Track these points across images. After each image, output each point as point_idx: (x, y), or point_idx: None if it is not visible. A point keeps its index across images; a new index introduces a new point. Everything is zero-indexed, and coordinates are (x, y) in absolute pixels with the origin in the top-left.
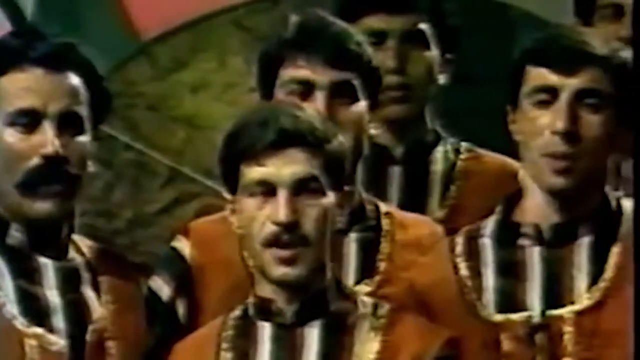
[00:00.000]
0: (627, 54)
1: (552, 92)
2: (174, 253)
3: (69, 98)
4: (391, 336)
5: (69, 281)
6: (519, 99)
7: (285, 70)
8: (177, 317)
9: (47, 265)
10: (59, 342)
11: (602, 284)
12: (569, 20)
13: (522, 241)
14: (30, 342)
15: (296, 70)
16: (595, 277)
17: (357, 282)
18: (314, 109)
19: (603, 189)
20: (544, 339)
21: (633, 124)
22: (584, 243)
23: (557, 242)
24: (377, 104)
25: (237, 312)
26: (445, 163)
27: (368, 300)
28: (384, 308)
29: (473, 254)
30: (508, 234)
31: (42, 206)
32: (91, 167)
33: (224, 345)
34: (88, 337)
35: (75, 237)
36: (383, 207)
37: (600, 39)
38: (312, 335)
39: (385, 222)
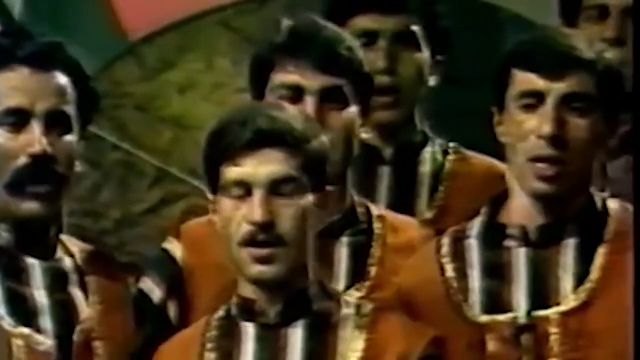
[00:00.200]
0: (612, 55)
1: (538, 97)
2: (165, 255)
3: (57, 97)
4: (375, 334)
5: (57, 281)
6: (505, 101)
7: (275, 75)
8: (168, 319)
9: (34, 265)
10: (46, 342)
11: (588, 285)
12: (554, 21)
13: (508, 242)
14: (17, 342)
15: (286, 75)
16: (581, 277)
17: (349, 287)
18: (298, 109)
19: (589, 190)
20: (530, 339)
21: (633, 124)
22: (570, 244)
23: (542, 243)
24: (368, 109)
25: (220, 313)
26: (433, 164)
27: (351, 299)
28: (368, 307)
29: (459, 255)
30: (494, 235)
31: (29, 206)
32: (79, 167)
33: (208, 345)
34: (75, 337)
35: (63, 237)
36: (375, 210)
37: (585, 41)
38: (296, 335)
39: (376, 226)
